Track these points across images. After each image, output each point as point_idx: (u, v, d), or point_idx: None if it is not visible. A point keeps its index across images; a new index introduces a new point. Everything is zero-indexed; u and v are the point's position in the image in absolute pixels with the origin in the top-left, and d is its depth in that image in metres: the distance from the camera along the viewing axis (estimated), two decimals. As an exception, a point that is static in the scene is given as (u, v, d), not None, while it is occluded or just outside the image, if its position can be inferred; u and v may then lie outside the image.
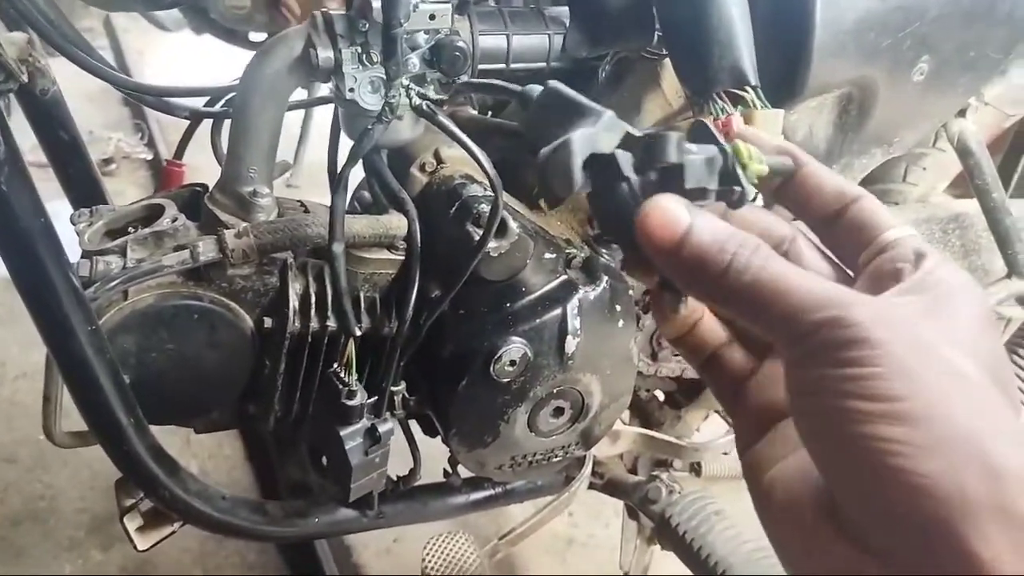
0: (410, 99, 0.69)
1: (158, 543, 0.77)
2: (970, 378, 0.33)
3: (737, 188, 0.39)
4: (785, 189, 0.43)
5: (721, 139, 0.40)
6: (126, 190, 2.57)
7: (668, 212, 0.37)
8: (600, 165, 0.41)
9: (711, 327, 0.45)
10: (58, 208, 0.90)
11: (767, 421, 0.41)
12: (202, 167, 0.96)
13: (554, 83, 0.47)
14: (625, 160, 0.40)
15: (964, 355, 0.34)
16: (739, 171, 0.39)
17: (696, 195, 0.39)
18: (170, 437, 0.82)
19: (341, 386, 0.75)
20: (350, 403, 0.74)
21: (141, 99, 0.82)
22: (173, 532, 0.77)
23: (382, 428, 0.76)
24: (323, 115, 1.29)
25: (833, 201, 0.42)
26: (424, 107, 0.69)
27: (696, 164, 0.39)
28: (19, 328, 1.84)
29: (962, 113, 1.02)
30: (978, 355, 0.34)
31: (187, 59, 2.87)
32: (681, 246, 0.36)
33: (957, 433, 0.31)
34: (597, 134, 0.41)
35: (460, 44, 0.73)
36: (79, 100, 0.85)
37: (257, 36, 2.07)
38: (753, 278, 0.35)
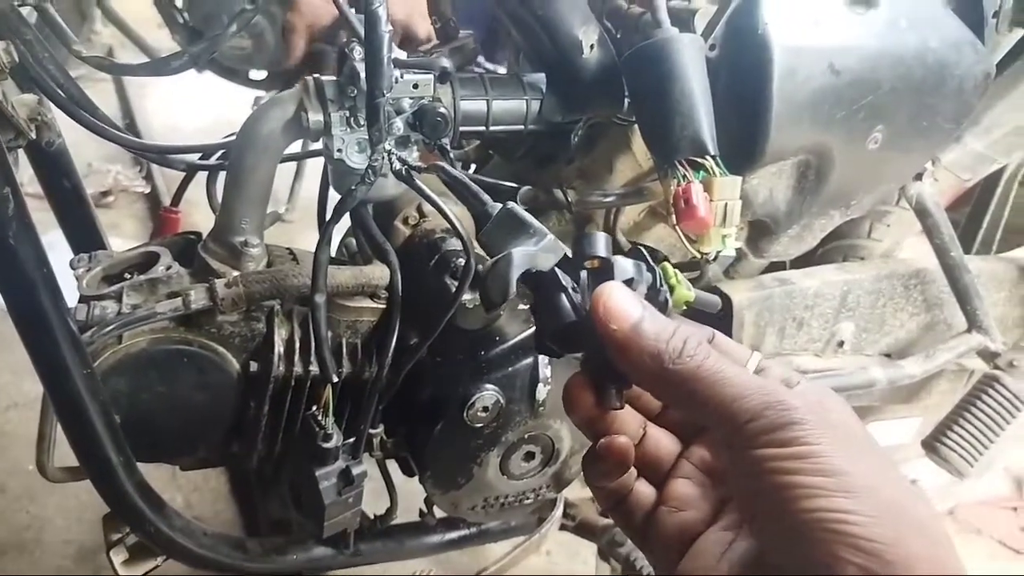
0: (391, 164, 0.74)
1: (142, 576, 0.80)
2: (883, 458, 0.39)
3: (662, 297, 0.45)
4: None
5: (651, 262, 0.46)
6: (123, 223, 2.61)
7: (622, 301, 0.42)
8: (539, 281, 0.46)
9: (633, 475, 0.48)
10: (53, 240, 0.93)
11: (685, 541, 0.45)
12: (195, 199, 1.00)
13: (512, 204, 0.52)
14: (564, 275, 0.45)
15: (872, 447, 0.39)
16: (665, 287, 0.46)
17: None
18: (156, 470, 0.85)
19: (317, 429, 0.79)
20: (326, 445, 0.79)
21: (144, 156, 0.87)
22: (157, 566, 0.81)
23: (356, 470, 0.80)
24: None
25: None
26: (403, 172, 0.74)
27: (624, 264, 0.45)
28: (11, 357, 1.87)
29: (919, 177, 1.07)
30: (877, 448, 0.40)
31: (188, 95, 2.93)
32: (638, 334, 0.41)
33: (894, 500, 0.36)
34: (536, 254, 0.46)
35: (441, 110, 0.78)
36: (78, 132, 0.89)
37: (257, 75, 2.13)
38: (698, 366, 0.40)
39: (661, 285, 0.48)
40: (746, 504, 0.40)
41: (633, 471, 0.47)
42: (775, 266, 1.14)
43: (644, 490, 0.48)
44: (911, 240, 1.28)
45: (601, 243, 0.45)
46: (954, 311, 1.21)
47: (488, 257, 0.52)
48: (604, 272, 0.45)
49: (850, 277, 1.10)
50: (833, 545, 0.34)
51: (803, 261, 1.15)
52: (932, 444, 1.17)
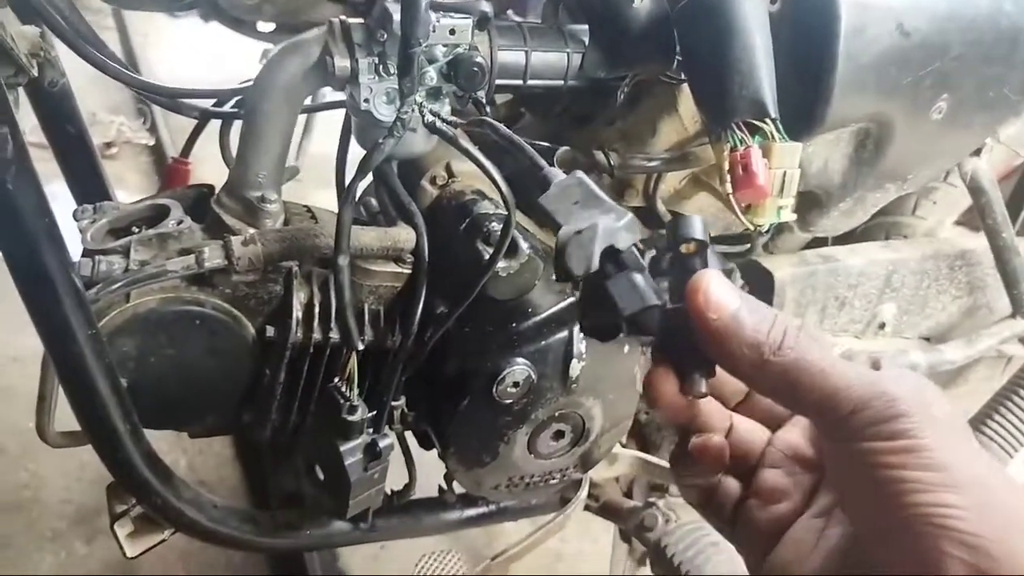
0: (423, 116, 0.68)
1: (148, 550, 0.76)
2: (977, 446, 0.38)
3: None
4: None
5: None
6: (126, 175, 2.55)
7: (721, 289, 0.40)
8: (619, 260, 0.44)
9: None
10: (56, 190, 0.88)
11: (776, 532, 0.44)
12: (204, 150, 0.96)
13: (580, 173, 0.51)
14: (643, 256, 0.44)
15: (962, 423, 0.39)
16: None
17: None
18: (160, 432, 0.81)
19: (342, 400, 0.74)
20: (351, 418, 0.73)
21: (152, 98, 0.81)
22: (163, 540, 0.76)
23: (382, 444, 0.75)
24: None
25: None
26: (436, 124, 0.68)
27: (716, 255, 0.43)
28: (11, 309, 1.82)
29: (977, 152, 1.01)
30: (965, 427, 0.39)
31: (192, 43, 2.85)
32: (738, 323, 0.39)
33: (997, 494, 0.35)
34: (619, 230, 0.44)
35: (478, 60, 0.72)
36: (82, 81, 0.84)
37: (265, 26, 2.05)
38: (799, 357, 0.38)
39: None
40: (848, 496, 0.40)
41: (727, 460, 0.46)
42: (815, 241, 1.08)
43: (732, 483, 0.47)
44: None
45: (699, 226, 0.42)
46: (997, 295, 1.16)
47: (542, 225, 0.49)
48: (697, 259, 0.42)
49: (896, 256, 1.04)
50: (939, 540, 0.34)
51: (843, 237, 1.09)
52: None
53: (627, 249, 0.44)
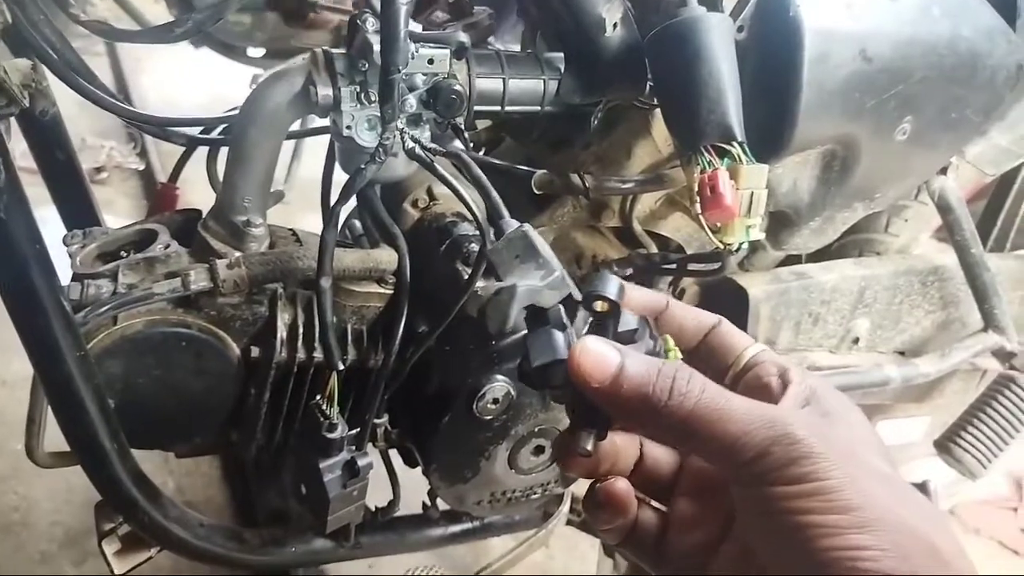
0: (403, 143, 0.71)
1: (136, 567, 0.77)
2: (890, 475, 0.38)
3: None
4: (655, 324, 0.47)
5: (655, 331, 0.45)
6: (116, 200, 2.56)
7: (597, 351, 0.39)
8: (538, 316, 0.45)
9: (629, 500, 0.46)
10: (45, 215, 0.90)
11: (699, 560, 0.43)
12: (193, 176, 0.97)
13: (527, 228, 0.53)
14: (565, 315, 0.45)
15: (875, 454, 0.38)
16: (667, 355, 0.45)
17: (626, 338, 0.43)
18: (148, 454, 0.83)
19: (322, 419, 0.76)
20: (330, 436, 0.75)
21: (142, 128, 0.83)
22: (150, 557, 0.78)
23: (361, 462, 0.77)
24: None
25: (695, 331, 0.47)
26: (416, 151, 0.70)
27: (630, 316, 0.43)
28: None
29: (943, 171, 1.04)
30: (879, 450, 0.39)
31: (184, 71, 2.88)
32: (619, 382, 0.39)
33: (907, 530, 0.34)
34: (541, 290, 0.47)
35: (457, 88, 0.74)
36: (72, 107, 0.86)
37: (255, 52, 2.08)
38: (694, 405, 0.38)
39: (662, 354, 0.46)
40: (758, 540, 0.39)
41: (635, 500, 0.46)
42: (790, 258, 1.11)
43: (649, 515, 0.46)
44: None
45: (613, 286, 0.43)
46: (969, 309, 1.19)
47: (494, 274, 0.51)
48: (608, 317, 0.43)
49: (868, 272, 1.07)
50: None
51: (818, 254, 1.12)
52: (945, 444, 1.15)
53: (552, 308, 0.45)
